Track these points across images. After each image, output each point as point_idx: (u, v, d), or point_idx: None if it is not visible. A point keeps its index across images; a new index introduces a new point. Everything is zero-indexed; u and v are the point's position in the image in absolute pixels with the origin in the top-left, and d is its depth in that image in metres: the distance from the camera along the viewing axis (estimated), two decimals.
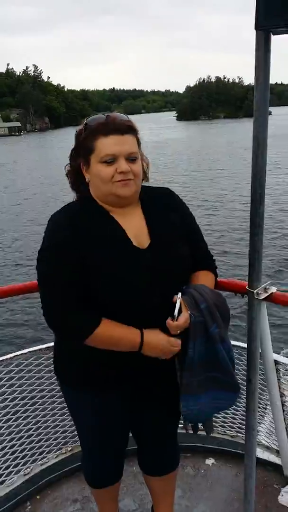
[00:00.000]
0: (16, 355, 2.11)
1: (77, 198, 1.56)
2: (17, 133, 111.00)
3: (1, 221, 18.87)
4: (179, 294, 1.42)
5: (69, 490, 2.30)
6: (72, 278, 1.36)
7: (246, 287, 1.60)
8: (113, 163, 1.39)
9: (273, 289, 1.62)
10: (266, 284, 1.61)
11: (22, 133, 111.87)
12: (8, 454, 2.21)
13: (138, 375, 1.52)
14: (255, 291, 1.57)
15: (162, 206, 1.55)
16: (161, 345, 1.42)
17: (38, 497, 2.25)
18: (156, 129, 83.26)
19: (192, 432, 1.68)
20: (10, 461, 2.22)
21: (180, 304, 1.42)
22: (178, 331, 1.42)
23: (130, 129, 1.44)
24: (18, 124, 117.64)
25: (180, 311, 1.42)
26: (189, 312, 1.43)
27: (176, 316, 1.41)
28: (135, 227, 1.47)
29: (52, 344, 2.11)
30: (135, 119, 1.55)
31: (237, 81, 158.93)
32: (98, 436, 1.67)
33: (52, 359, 1.69)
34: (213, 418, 2.28)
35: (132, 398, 1.60)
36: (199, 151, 43.61)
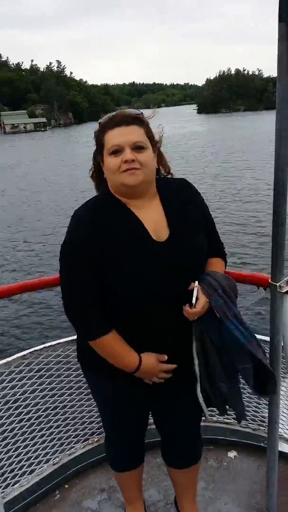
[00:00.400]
0: (45, 347, 2.18)
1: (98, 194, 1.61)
2: (42, 129, 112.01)
3: (32, 216, 19.22)
4: (196, 282, 1.45)
5: (96, 479, 2.37)
6: (92, 272, 1.41)
7: (269, 280, 1.63)
8: (120, 153, 1.43)
9: None
10: None
11: (47, 129, 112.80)
12: (38, 444, 2.29)
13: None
14: (278, 284, 1.59)
15: (180, 198, 1.57)
16: (152, 370, 1.51)
17: (66, 486, 2.33)
18: (178, 122, 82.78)
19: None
20: (40, 451, 2.30)
21: (197, 291, 1.45)
22: (196, 317, 1.46)
23: (137, 120, 1.47)
24: (43, 119, 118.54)
25: (197, 298, 1.45)
26: (206, 298, 1.46)
27: (194, 303, 1.44)
28: (153, 219, 1.50)
29: (76, 337, 2.20)
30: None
31: (256, 73, 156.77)
32: (115, 420, 1.75)
33: None
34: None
35: (152, 390, 1.63)
36: (223, 143, 43.03)
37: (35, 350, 2.15)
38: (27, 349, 2.16)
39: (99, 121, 1.53)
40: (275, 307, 1.63)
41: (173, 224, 1.51)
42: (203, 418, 1.80)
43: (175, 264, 1.45)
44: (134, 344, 1.50)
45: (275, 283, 1.58)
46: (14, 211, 20.12)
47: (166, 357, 1.51)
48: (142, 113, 1.51)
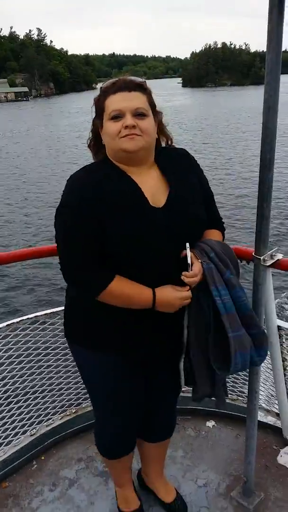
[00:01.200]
0: (22, 320, 2.12)
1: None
2: (24, 98, 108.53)
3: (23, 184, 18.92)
4: (187, 245, 1.40)
5: (74, 450, 2.36)
6: (90, 234, 1.37)
7: (253, 254, 1.61)
8: (121, 119, 1.39)
9: (280, 256, 1.62)
10: (273, 251, 1.61)
11: (29, 99, 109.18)
12: (15, 416, 2.26)
13: (151, 341, 1.52)
14: (261, 258, 1.58)
15: (180, 166, 1.54)
16: (172, 300, 1.42)
17: (43, 457, 2.32)
18: (163, 96, 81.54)
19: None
20: (17, 422, 2.27)
21: (191, 256, 1.41)
22: (195, 282, 1.41)
23: (139, 87, 1.43)
24: (25, 89, 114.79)
25: (192, 263, 1.41)
26: (200, 260, 1.42)
27: (189, 265, 1.39)
28: (152, 186, 1.46)
29: (58, 309, 2.14)
30: None
31: (243, 47, 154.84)
32: (111, 399, 1.67)
33: (59, 324, 1.70)
34: None
35: (143, 364, 1.61)
36: (209, 117, 42.61)
37: (12, 323, 2.10)
38: (3, 322, 2.11)
39: (101, 86, 1.49)
40: (258, 280, 1.61)
41: (171, 190, 1.47)
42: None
43: (172, 231, 1.42)
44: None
45: (259, 257, 1.57)
46: None
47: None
48: (145, 81, 1.47)
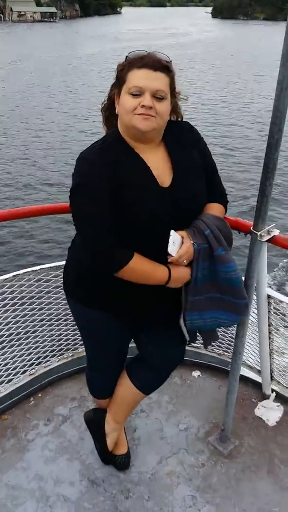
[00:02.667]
0: (27, 271, 2.27)
1: (106, 134, 1.60)
2: (51, 19, 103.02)
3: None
4: (171, 232, 1.49)
5: (68, 390, 2.59)
6: (107, 213, 1.44)
7: (250, 228, 1.71)
8: (139, 96, 1.42)
9: (276, 232, 1.72)
10: (270, 227, 1.71)
11: (56, 20, 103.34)
12: (17, 357, 2.46)
13: (146, 304, 1.65)
14: (258, 233, 1.68)
15: (182, 142, 1.59)
16: (185, 277, 1.57)
17: (40, 394, 2.54)
18: (197, 25, 76.53)
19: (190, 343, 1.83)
20: (18, 363, 2.47)
21: (182, 238, 1.51)
22: (185, 261, 1.53)
23: (165, 68, 1.45)
24: (53, 9, 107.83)
25: (181, 244, 1.51)
26: (191, 241, 1.52)
27: (175, 250, 1.49)
28: (158, 165, 1.52)
29: (58, 263, 2.29)
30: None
31: None
32: (100, 350, 1.87)
33: (61, 277, 1.82)
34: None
35: (137, 322, 1.75)
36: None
37: (18, 274, 2.24)
38: (10, 273, 2.25)
39: (127, 55, 1.49)
40: (253, 253, 1.73)
41: (176, 170, 1.54)
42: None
43: (177, 210, 1.51)
44: None
45: (256, 232, 1.67)
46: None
47: None
48: (171, 61, 1.48)
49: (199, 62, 34.35)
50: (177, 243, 1.50)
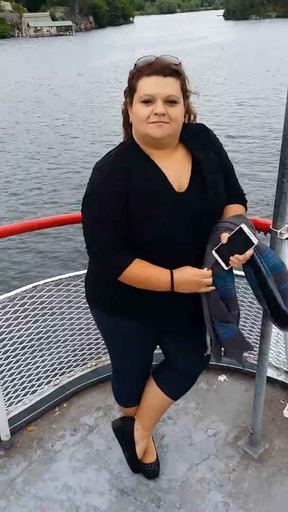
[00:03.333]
0: (47, 282, 2.30)
1: (123, 139, 1.61)
2: (67, 33, 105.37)
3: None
4: (212, 251, 1.47)
5: (93, 399, 2.60)
6: (116, 224, 1.46)
7: (270, 227, 1.71)
8: (151, 104, 1.42)
9: None
10: None
11: (72, 33, 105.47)
12: (40, 368, 2.49)
13: (169, 311, 1.64)
14: (278, 231, 1.68)
15: (200, 144, 1.58)
16: (192, 279, 1.52)
17: (65, 404, 2.56)
18: (210, 29, 76.62)
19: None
20: (41, 374, 2.50)
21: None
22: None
23: (174, 73, 1.45)
24: (69, 23, 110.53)
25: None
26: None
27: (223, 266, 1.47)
28: (175, 170, 1.53)
29: (77, 273, 2.32)
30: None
31: None
32: (126, 359, 1.87)
33: (81, 286, 1.84)
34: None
35: (160, 330, 1.77)
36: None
37: (37, 285, 2.27)
38: (29, 284, 2.29)
39: (136, 62, 1.49)
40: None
41: (196, 173, 1.54)
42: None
43: (197, 214, 1.51)
44: None
45: (276, 230, 1.66)
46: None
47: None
48: (180, 63, 1.48)
49: (222, 64, 34.15)
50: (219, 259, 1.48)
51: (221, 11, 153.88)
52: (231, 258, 1.47)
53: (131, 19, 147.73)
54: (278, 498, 2.00)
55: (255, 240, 1.44)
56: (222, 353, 1.76)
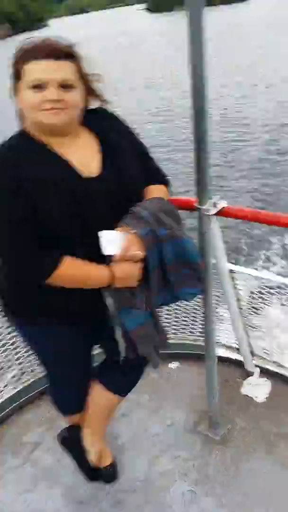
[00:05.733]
0: None
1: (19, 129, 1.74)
2: None
3: None
4: (101, 233, 1.65)
5: (33, 414, 2.92)
6: (23, 217, 1.59)
7: (195, 204, 2.00)
8: (42, 90, 1.55)
9: (224, 204, 2.02)
10: (216, 199, 2.00)
11: None
12: None
13: (100, 309, 1.83)
14: (204, 207, 1.98)
15: (107, 129, 1.79)
16: (133, 272, 1.72)
17: (3, 426, 2.87)
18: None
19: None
20: None
21: (120, 233, 1.68)
22: (139, 253, 1.70)
23: (68, 55, 1.58)
24: None
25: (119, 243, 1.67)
26: (133, 231, 1.69)
27: (114, 250, 1.66)
28: (80, 155, 1.70)
29: None
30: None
31: None
32: (57, 368, 2.13)
33: None
34: (173, 325, 2.90)
35: (97, 325, 2.00)
36: None
37: None
38: None
39: (21, 44, 1.60)
40: (202, 230, 2.04)
41: (106, 158, 1.73)
42: None
43: (111, 198, 1.70)
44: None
45: (201, 207, 1.97)
46: None
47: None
48: (75, 44, 1.61)
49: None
50: (117, 240, 1.67)
51: (141, 5, 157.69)
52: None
53: (47, 22, 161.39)
54: (244, 477, 2.39)
55: (107, 251, 1.66)
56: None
